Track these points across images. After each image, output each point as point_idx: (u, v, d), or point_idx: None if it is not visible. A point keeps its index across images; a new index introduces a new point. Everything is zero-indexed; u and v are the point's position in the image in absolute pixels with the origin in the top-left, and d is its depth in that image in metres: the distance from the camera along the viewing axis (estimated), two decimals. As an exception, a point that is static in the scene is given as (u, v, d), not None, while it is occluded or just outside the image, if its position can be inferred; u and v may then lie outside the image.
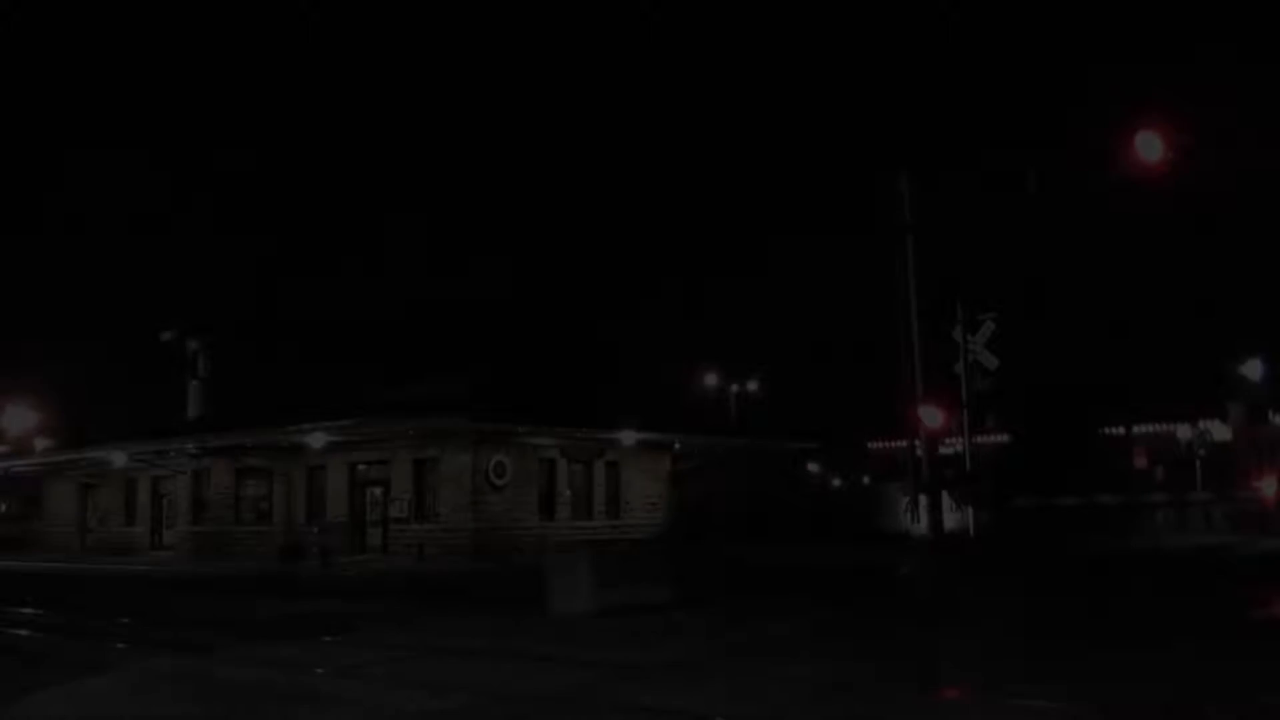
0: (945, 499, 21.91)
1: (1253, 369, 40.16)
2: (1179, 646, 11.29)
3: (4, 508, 53.85)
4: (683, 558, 18.94)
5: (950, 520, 22.44)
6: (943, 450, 23.25)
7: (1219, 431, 42.17)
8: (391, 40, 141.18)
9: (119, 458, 39.67)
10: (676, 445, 38.80)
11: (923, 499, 21.22)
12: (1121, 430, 45.61)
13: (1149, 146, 18.73)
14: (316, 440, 33.77)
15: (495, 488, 32.13)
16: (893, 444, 47.94)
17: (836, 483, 62.58)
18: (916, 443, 21.61)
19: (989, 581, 19.44)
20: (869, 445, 59.87)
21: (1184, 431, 45.58)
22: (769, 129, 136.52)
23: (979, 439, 30.13)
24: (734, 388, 54.94)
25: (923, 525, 21.48)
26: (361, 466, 35.29)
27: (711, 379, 55.50)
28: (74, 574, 30.44)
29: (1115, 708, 8.23)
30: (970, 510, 22.92)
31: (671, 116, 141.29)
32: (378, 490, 34.96)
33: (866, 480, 57.87)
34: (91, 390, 53.71)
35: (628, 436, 34.99)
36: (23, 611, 19.37)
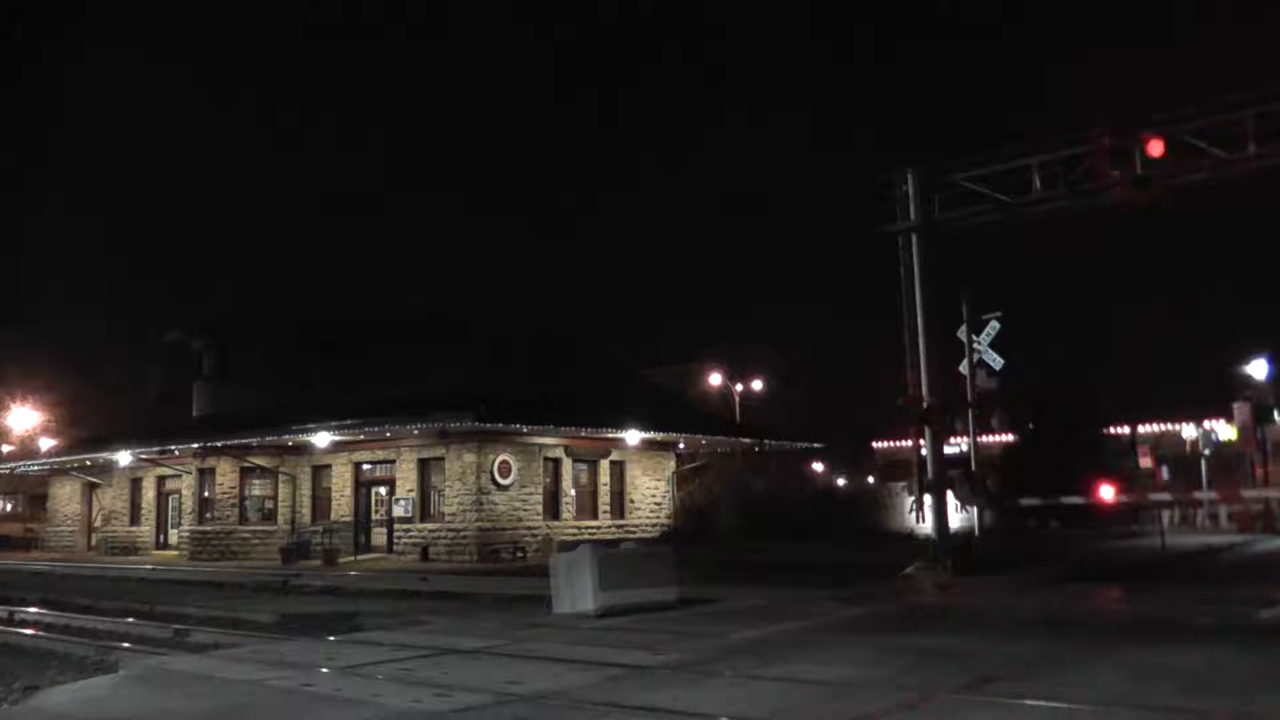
0: (950, 498, 21.88)
1: (1258, 368, 40.05)
2: (1188, 645, 11.26)
3: (9, 507, 53.92)
4: (688, 557, 18.92)
5: (956, 520, 22.41)
6: (948, 449, 23.20)
7: (1224, 431, 42.09)
8: (394, 42, 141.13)
9: (124, 458, 39.74)
10: (681, 445, 38.81)
11: (927, 498, 21.20)
12: (1126, 430, 45.57)
13: (1152, 146, 18.74)
14: (321, 440, 33.82)
15: (500, 487, 32.14)
16: (897, 443, 47.96)
17: (841, 482, 62.57)
18: (921, 442, 21.60)
19: (995, 581, 19.41)
20: (874, 445, 59.90)
21: (1189, 431, 45.55)
22: (774, 129, 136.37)
23: (984, 438, 30.12)
24: (738, 387, 54.96)
25: (928, 525, 21.45)
26: (366, 466, 35.34)
27: (716, 378, 55.55)
28: (79, 574, 30.48)
29: (1124, 708, 8.21)
30: (975, 510, 22.88)
31: (674, 116, 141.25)
32: (382, 490, 35.01)
33: (871, 480, 57.87)
34: (96, 390, 53.84)
35: (632, 436, 34.99)
36: (29, 611, 19.42)
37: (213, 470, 36.67)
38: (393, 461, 34.18)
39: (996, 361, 26.43)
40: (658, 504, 37.64)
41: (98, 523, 44.76)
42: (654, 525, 36.67)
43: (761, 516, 37.40)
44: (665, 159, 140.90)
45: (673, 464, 38.80)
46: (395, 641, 12.81)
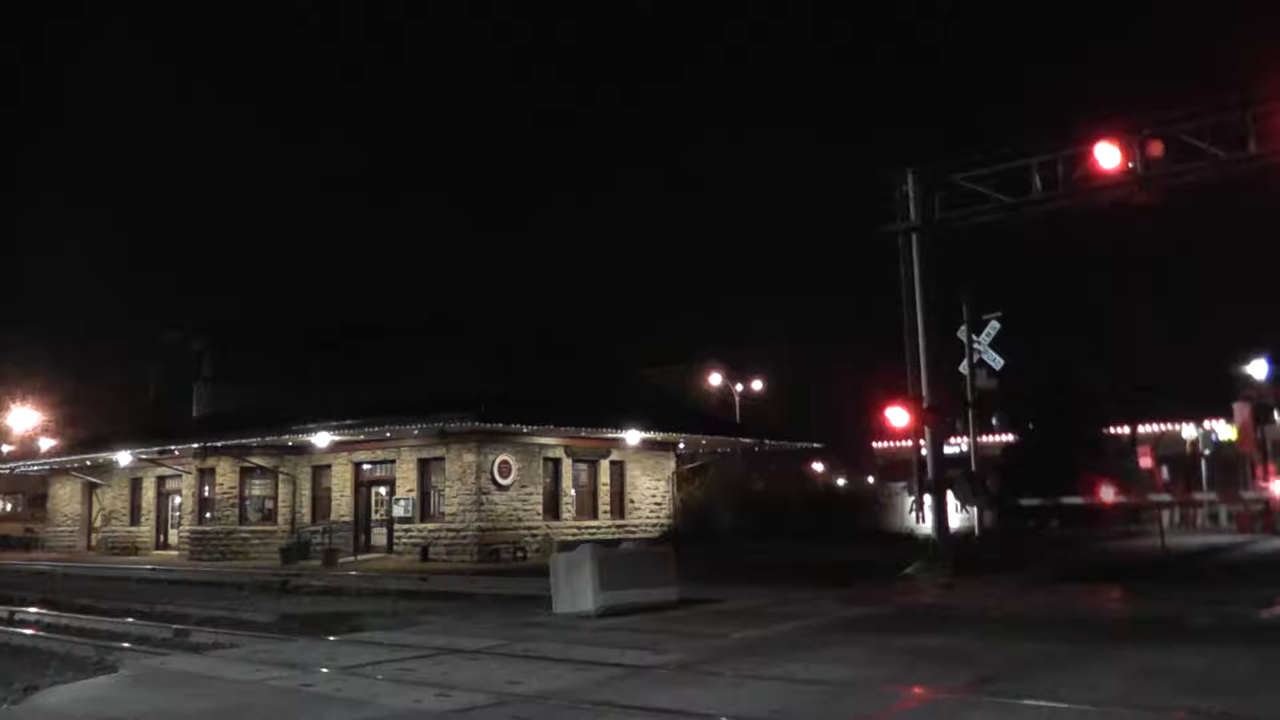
0: (950, 498, 21.88)
1: (1258, 368, 40.04)
2: (1188, 645, 11.27)
3: (9, 507, 53.90)
4: (688, 557, 18.93)
5: (956, 520, 22.43)
6: (948, 449, 23.20)
7: (1224, 431, 42.08)
8: (395, 40, 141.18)
9: (124, 458, 39.73)
10: (681, 445, 38.80)
11: (927, 498, 21.21)
12: (1126, 430, 45.56)
13: (1152, 146, 18.75)
14: (321, 440, 33.80)
15: (500, 487, 32.12)
16: (897, 443, 47.96)
17: (841, 482, 62.61)
18: (921, 442, 21.60)
19: (994, 581, 19.41)
20: (873, 445, 59.92)
21: (1189, 431, 45.55)
22: (774, 129, 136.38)
23: (984, 438, 30.11)
24: (738, 387, 54.95)
25: (928, 525, 21.46)
26: (366, 466, 35.32)
27: (716, 378, 55.53)
28: (79, 574, 30.46)
29: (1123, 707, 8.21)
30: (975, 510, 22.91)
31: (674, 117, 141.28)
32: (382, 489, 35.00)
33: (871, 480, 57.91)
34: (96, 390, 53.81)
35: (633, 436, 34.98)
36: (29, 611, 19.41)
37: (213, 470, 36.65)
38: (393, 461, 34.17)
39: (996, 361, 26.46)
40: (658, 504, 37.62)
41: (98, 523, 44.73)
42: (654, 525, 36.65)
43: (761, 516, 37.39)
44: (665, 159, 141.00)
45: (673, 464, 38.78)
46: (395, 641, 12.82)
